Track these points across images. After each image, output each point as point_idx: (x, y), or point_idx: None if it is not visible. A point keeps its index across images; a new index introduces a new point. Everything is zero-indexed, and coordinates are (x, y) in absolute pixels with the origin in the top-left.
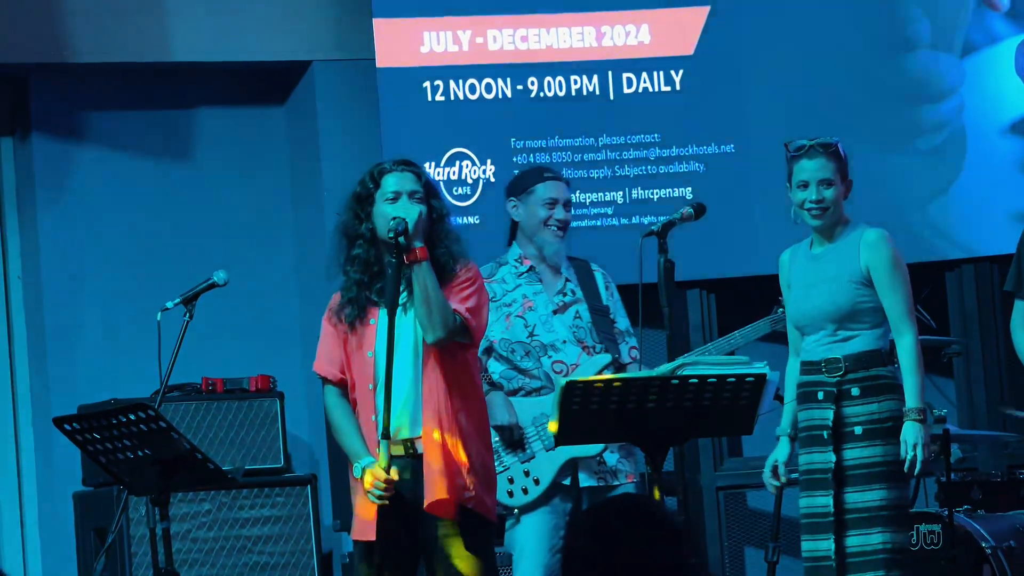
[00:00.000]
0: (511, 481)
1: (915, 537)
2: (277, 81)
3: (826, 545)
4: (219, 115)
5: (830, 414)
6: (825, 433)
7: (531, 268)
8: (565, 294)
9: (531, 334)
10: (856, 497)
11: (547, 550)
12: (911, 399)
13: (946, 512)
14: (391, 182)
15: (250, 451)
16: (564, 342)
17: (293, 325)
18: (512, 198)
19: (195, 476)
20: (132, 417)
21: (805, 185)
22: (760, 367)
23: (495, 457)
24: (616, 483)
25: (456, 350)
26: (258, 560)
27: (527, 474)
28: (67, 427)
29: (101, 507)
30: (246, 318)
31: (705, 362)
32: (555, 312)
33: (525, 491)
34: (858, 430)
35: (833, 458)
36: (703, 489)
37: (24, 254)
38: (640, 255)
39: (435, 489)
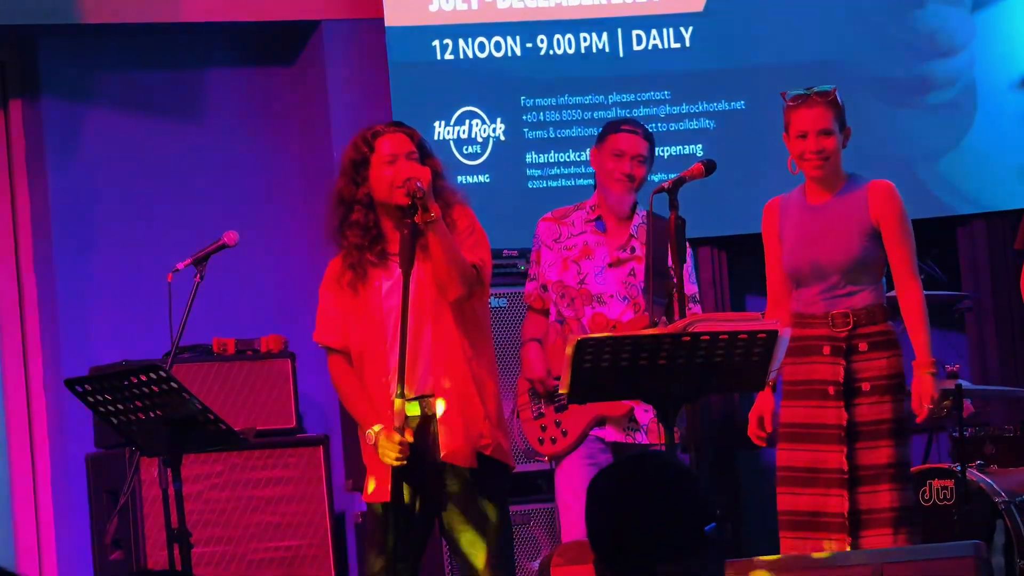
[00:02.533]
0: (543, 430)
1: (928, 493)
2: (286, 41)
3: (833, 501)
4: (228, 75)
5: (841, 370)
6: (832, 389)
7: (599, 217)
8: (626, 250)
9: (582, 282)
10: (865, 455)
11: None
12: (923, 352)
13: (959, 467)
14: (387, 145)
15: (262, 412)
16: (612, 296)
17: (304, 285)
18: (597, 145)
19: (207, 437)
20: (144, 378)
21: (804, 135)
22: (772, 323)
23: (536, 403)
24: (646, 441)
25: (464, 304)
26: (271, 520)
27: (558, 424)
28: (79, 389)
29: (113, 469)
30: (257, 278)
31: (716, 319)
32: (610, 265)
33: (554, 441)
34: (866, 386)
35: (846, 415)
36: (717, 446)
37: (34, 216)
38: (651, 212)
39: (452, 438)
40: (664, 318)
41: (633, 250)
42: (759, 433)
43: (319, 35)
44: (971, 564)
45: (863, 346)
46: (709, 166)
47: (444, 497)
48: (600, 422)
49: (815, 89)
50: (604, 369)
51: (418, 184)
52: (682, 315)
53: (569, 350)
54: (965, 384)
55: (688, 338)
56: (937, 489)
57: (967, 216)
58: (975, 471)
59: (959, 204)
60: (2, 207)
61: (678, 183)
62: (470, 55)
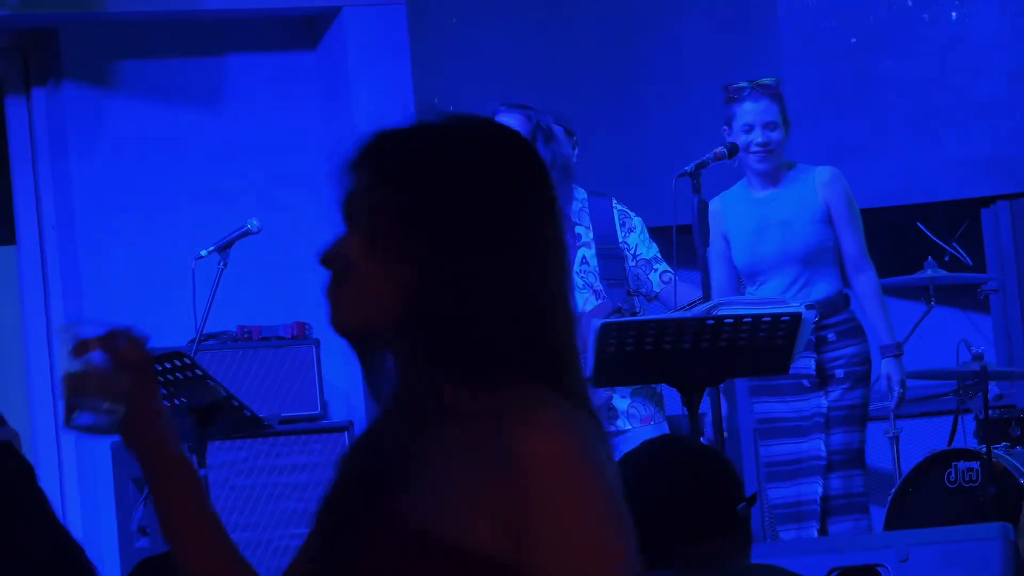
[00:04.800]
0: None
1: (954, 474)
2: (307, 27)
3: (813, 489)
4: (250, 62)
5: (811, 363)
6: (806, 382)
7: None
8: (571, 237)
9: None
10: (839, 439)
11: None
12: (886, 335)
13: (984, 449)
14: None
15: (286, 398)
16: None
17: (327, 272)
18: None
19: (232, 424)
20: (168, 365)
21: (750, 128)
22: (796, 306)
23: None
24: (627, 428)
25: None
26: (296, 507)
27: None
28: None
29: None
30: (280, 265)
31: (740, 302)
32: None
33: None
34: (839, 373)
35: (825, 403)
36: (739, 430)
37: (58, 205)
38: (675, 196)
39: None
40: (623, 305)
41: (579, 236)
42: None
43: (340, 21)
44: (998, 546)
45: (831, 336)
46: (732, 149)
47: None
48: None
49: (759, 81)
50: (628, 353)
51: None
52: (707, 297)
53: (594, 335)
54: (990, 366)
55: (712, 322)
56: (963, 471)
57: (991, 197)
58: (1001, 452)
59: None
60: (26, 195)
61: (701, 167)
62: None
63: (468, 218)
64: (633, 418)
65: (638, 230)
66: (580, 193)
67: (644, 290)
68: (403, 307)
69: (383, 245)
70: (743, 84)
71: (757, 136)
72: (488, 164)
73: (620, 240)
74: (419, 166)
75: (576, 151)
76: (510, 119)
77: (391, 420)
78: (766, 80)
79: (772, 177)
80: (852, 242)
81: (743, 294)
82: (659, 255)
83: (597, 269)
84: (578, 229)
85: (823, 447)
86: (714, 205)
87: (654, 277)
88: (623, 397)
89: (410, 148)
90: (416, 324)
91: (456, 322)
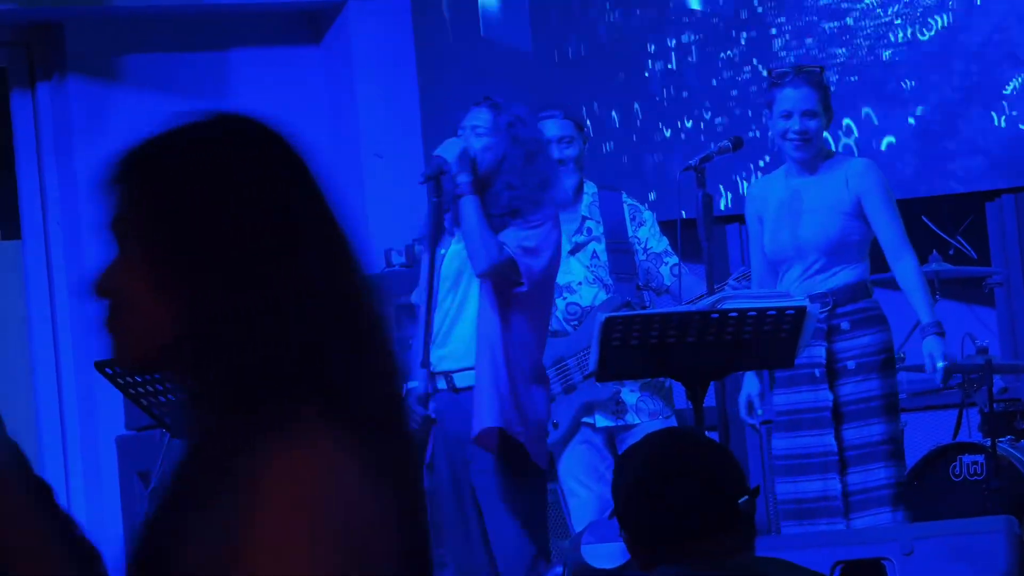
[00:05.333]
0: None
1: (959, 468)
2: (312, 21)
3: (827, 485)
4: (255, 56)
5: (822, 351)
6: (817, 371)
7: None
8: (582, 232)
9: None
10: (855, 434)
11: (593, 483)
12: (926, 315)
13: (989, 442)
14: (466, 117)
15: None
16: (579, 283)
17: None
18: None
19: None
20: None
21: (788, 115)
22: (801, 299)
23: None
24: (636, 422)
25: (504, 287)
26: None
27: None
28: (108, 371)
29: (144, 450)
30: None
31: (745, 296)
32: (571, 252)
33: (547, 434)
34: (851, 364)
35: (831, 396)
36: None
37: (63, 199)
38: (679, 190)
39: (481, 419)
40: (632, 300)
41: (589, 231)
42: (749, 419)
43: (345, 15)
44: (1002, 539)
45: (845, 325)
46: (737, 143)
47: (474, 475)
48: (588, 409)
49: (802, 67)
50: (633, 347)
51: (441, 159)
52: (711, 291)
53: (598, 329)
54: (995, 359)
55: (717, 315)
56: (967, 464)
57: (996, 191)
58: (1006, 445)
59: (988, 178)
60: (30, 190)
61: (705, 160)
62: None
63: (228, 236)
64: (642, 412)
65: (648, 224)
66: (590, 187)
67: (655, 284)
68: (177, 334)
69: (150, 269)
70: (786, 69)
71: (795, 124)
72: (246, 176)
73: (630, 235)
74: (170, 183)
75: (586, 145)
76: (479, 113)
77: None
78: (809, 67)
79: (809, 165)
80: (888, 230)
81: (776, 280)
82: (669, 248)
83: (607, 264)
84: (588, 223)
85: (833, 442)
86: (753, 188)
87: (664, 271)
88: (632, 391)
89: (164, 162)
90: (187, 351)
91: (218, 346)
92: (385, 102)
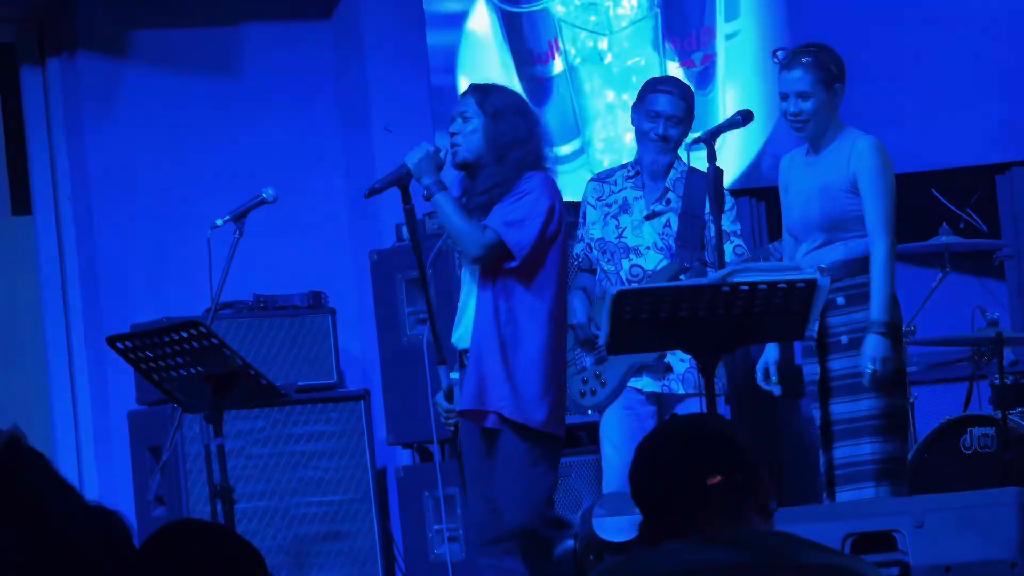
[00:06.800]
0: (584, 382)
1: (969, 440)
2: None
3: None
4: (265, 31)
5: (815, 325)
6: (814, 344)
7: (637, 173)
8: (661, 202)
9: (620, 236)
10: (843, 408)
11: (627, 450)
12: (877, 311)
13: (1000, 415)
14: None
15: (302, 367)
16: (648, 248)
17: (343, 240)
18: (634, 104)
19: (248, 393)
20: (184, 335)
21: (785, 97)
22: (811, 273)
23: (580, 357)
24: (680, 391)
25: (497, 268)
26: (312, 475)
27: (597, 376)
28: (120, 346)
29: (155, 425)
30: (296, 234)
31: (756, 268)
32: (647, 218)
33: (593, 393)
34: (844, 339)
35: (818, 370)
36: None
37: (73, 175)
38: (688, 162)
39: (468, 398)
40: (697, 264)
41: (669, 202)
42: (767, 385)
43: None
44: (1013, 511)
45: (840, 300)
46: (746, 116)
47: (484, 451)
48: (637, 371)
49: (796, 48)
50: (643, 320)
51: (403, 166)
52: (721, 263)
53: (608, 302)
54: (1005, 332)
55: (728, 289)
56: (978, 437)
57: (1007, 163)
58: (1016, 418)
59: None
60: (41, 165)
61: (715, 133)
62: None
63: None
64: (688, 383)
65: (728, 207)
66: (681, 165)
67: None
68: None
69: None
70: (783, 52)
71: (790, 105)
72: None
73: (707, 211)
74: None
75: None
76: (465, 100)
77: None
78: (803, 47)
79: (814, 144)
80: (871, 211)
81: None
82: (739, 231)
83: (675, 232)
84: (670, 195)
85: (818, 416)
86: (783, 162)
87: (727, 247)
88: (682, 360)
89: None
90: None
91: None
92: (396, 77)
